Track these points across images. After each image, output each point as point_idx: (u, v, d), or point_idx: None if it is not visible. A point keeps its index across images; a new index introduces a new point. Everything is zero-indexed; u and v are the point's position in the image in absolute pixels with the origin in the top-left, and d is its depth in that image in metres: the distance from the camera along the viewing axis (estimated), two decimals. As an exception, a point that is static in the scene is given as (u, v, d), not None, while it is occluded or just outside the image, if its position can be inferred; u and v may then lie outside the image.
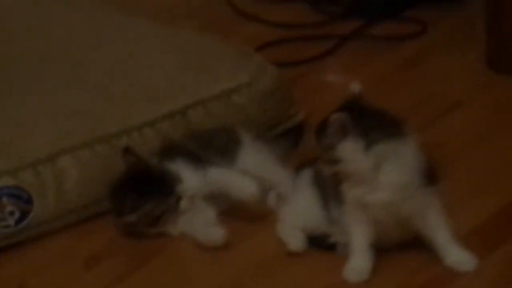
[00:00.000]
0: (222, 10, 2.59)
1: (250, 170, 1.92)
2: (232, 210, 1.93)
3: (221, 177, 1.91)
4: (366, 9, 2.49)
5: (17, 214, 1.86)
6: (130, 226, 1.88)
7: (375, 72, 2.29)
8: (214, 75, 2.10)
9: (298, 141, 2.08)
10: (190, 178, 1.92)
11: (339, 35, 2.43)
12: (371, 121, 1.68)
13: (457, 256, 1.70)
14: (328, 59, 2.36)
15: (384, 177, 1.66)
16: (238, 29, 2.51)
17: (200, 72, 2.11)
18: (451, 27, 2.41)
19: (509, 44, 2.19)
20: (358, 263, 1.73)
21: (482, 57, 2.22)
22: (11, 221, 1.85)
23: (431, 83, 2.24)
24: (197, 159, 1.91)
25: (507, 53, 2.20)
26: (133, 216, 1.84)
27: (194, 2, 2.59)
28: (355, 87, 1.74)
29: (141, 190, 1.87)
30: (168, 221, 1.89)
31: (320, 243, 1.85)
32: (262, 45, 2.35)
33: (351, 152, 1.64)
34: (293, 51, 2.38)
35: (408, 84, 2.25)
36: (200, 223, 1.90)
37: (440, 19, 2.45)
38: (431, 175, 1.70)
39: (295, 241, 1.84)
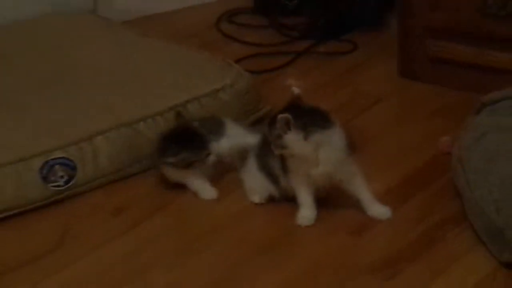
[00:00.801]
0: (213, 33, 2.66)
1: (233, 140, 1.97)
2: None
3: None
4: (314, 33, 2.54)
5: (65, 178, 1.91)
6: (169, 166, 1.92)
7: (319, 78, 2.37)
8: (206, 79, 2.16)
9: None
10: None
11: (295, 51, 2.50)
12: (308, 117, 1.74)
13: (377, 209, 1.78)
14: (287, 69, 2.42)
15: (322, 156, 1.72)
16: (223, 47, 2.56)
17: (196, 76, 2.17)
18: (375, 46, 2.48)
19: (413, 58, 2.27)
20: (306, 212, 1.79)
21: (396, 67, 2.28)
22: (61, 182, 1.90)
23: (359, 86, 2.30)
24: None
25: (412, 65, 2.27)
26: (173, 158, 1.89)
27: (194, 28, 2.65)
28: (295, 90, 1.81)
29: (183, 142, 1.91)
30: (195, 170, 1.93)
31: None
32: (240, 58, 2.41)
33: (294, 141, 1.71)
34: (262, 63, 2.44)
35: (342, 87, 2.31)
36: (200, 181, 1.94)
37: (368, 40, 2.52)
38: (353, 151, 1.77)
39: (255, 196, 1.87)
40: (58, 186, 1.90)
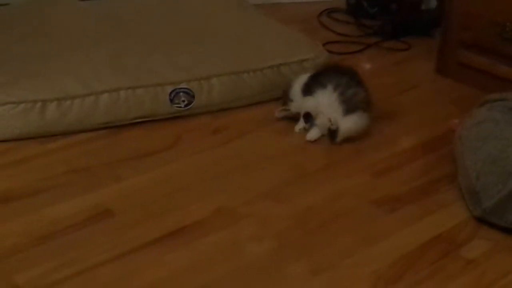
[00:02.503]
0: (314, 22, 2.55)
1: None
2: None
3: None
4: (383, 33, 2.42)
5: (186, 102, 1.84)
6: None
7: (380, 64, 2.25)
8: (298, 51, 2.04)
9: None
10: None
11: (367, 43, 2.38)
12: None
13: None
14: (358, 54, 2.30)
15: None
16: (319, 33, 2.44)
17: (291, 48, 2.05)
18: (423, 49, 2.33)
19: (446, 61, 2.15)
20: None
21: (434, 66, 2.15)
22: (182, 104, 1.84)
23: (405, 75, 2.17)
24: None
25: (445, 65, 2.15)
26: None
27: (301, 17, 2.54)
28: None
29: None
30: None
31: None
32: (328, 42, 2.30)
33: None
34: (342, 47, 2.33)
35: (394, 73, 2.18)
36: None
37: (419, 44, 2.38)
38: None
39: None
40: (180, 107, 1.83)
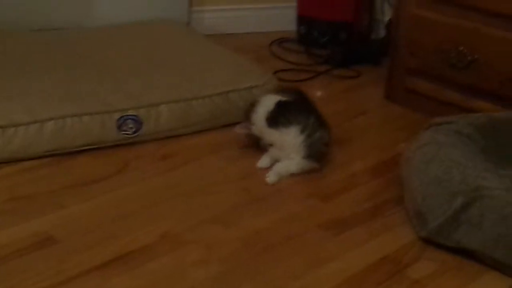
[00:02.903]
0: (265, 52, 2.59)
1: None
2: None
3: None
4: (333, 61, 2.46)
5: (134, 129, 1.83)
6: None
7: (329, 91, 2.30)
8: (247, 78, 2.05)
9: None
10: None
11: (317, 71, 2.41)
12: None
13: None
14: (308, 82, 2.32)
15: None
16: (270, 62, 2.47)
17: (240, 75, 2.06)
18: (372, 76, 2.38)
19: (394, 87, 2.19)
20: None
21: (382, 92, 2.20)
22: (130, 131, 1.83)
23: (354, 101, 2.22)
24: None
25: (393, 91, 2.20)
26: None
27: (253, 46, 2.58)
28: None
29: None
30: None
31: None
32: (279, 70, 2.33)
33: None
34: (293, 75, 2.36)
35: (343, 99, 2.23)
36: None
37: (368, 72, 2.43)
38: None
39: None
40: (128, 134, 1.83)
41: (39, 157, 1.72)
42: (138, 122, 1.83)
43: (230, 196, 1.62)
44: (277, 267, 1.38)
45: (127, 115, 1.82)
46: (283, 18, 2.73)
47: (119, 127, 1.81)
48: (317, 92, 2.24)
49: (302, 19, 2.63)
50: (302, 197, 1.65)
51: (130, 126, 1.82)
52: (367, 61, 2.49)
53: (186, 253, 1.40)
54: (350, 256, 1.43)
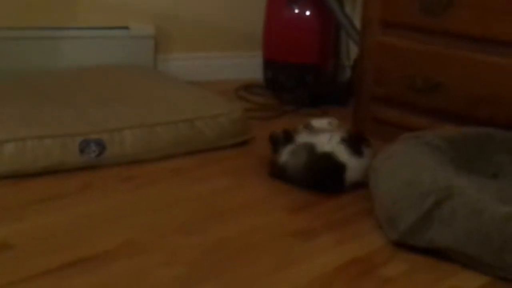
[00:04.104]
0: (232, 96, 2.58)
1: None
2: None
3: None
4: (298, 103, 2.47)
5: (96, 152, 1.81)
6: None
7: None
8: (212, 107, 2.07)
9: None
10: None
11: (284, 110, 2.41)
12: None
13: None
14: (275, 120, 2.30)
15: None
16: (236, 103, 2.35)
17: (206, 104, 2.09)
18: (339, 114, 2.32)
19: (361, 118, 2.21)
20: None
21: (350, 123, 2.20)
22: (93, 155, 1.81)
23: None
24: None
25: (360, 123, 2.21)
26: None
27: (219, 91, 2.42)
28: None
29: None
30: None
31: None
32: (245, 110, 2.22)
33: None
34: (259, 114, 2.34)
35: None
36: None
37: (335, 111, 2.43)
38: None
39: None
40: (90, 157, 1.80)
41: (-1, 178, 1.67)
42: (101, 145, 1.81)
43: (194, 210, 1.59)
44: (244, 268, 1.34)
45: (90, 138, 1.80)
46: (249, 66, 2.77)
47: (82, 150, 1.78)
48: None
49: (268, 64, 2.66)
50: (268, 211, 1.62)
51: (93, 149, 1.80)
52: (333, 102, 2.51)
53: (149, 257, 1.36)
54: (319, 259, 1.40)
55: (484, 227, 1.35)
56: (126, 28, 2.59)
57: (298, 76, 2.60)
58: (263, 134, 2.04)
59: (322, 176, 1.71)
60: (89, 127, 1.83)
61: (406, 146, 1.67)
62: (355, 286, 1.31)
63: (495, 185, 1.58)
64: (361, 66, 2.18)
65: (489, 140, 1.73)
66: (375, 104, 2.14)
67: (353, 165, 1.71)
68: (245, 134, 2.08)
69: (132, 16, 2.61)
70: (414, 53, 2.01)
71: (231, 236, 1.48)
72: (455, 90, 1.93)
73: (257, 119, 2.29)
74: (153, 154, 1.89)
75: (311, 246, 1.46)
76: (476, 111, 1.90)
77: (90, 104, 1.99)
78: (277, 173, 1.76)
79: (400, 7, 2.02)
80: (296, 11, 2.59)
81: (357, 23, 2.28)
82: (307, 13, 2.58)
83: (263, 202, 1.67)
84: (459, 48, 1.92)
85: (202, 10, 2.77)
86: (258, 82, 2.74)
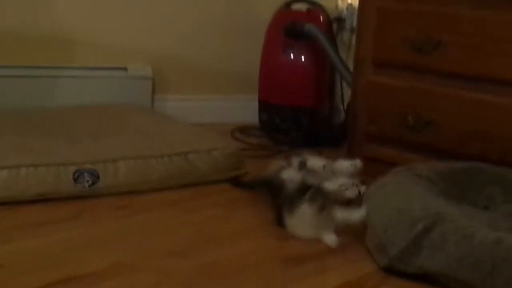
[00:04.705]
0: (226, 136, 2.55)
1: None
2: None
3: None
4: (293, 144, 2.49)
5: (90, 182, 1.81)
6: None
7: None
8: (206, 141, 2.08)
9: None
10: None
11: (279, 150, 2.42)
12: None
13: None
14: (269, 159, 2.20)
15: None
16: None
17: (200, 139, 2.11)
18: (333, 155, 2.25)
19: (355, 156, 2.08)
20: None
21: None
22: (86, 184, 1.81)
23: None
24: None
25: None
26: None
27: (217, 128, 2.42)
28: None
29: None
30: None
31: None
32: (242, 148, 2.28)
33: None
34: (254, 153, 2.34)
35: None
36: None
37: (330, 151, 2.39)
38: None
39: None
40: (84, 186, 1.80)
41: (-9, 204, 1.67)
42: (94, 175, 1.81)
43: (185, 236, 1.58)
44: (233, 288, 1.32)
45: (84, 168, 1.80)
46: (245, 109, 2.78)
47: (76, 180, 1.78)
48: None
49: (263, 106, 2.66)
50: (259, 237, 1.61)
51: (87, 179, 1.80)
52: (327, 144, 2.51)
53: (138, 278, 1.35)
54: (309, 283, 1.39)
55: (475, 251, 1.34)
56: (124, 68, 2.60)
57: (293, 118, 2.60)
58: (256, 171, 2.05)
59: None
60: (83, 158, 1.83)
61: (398, 177, 1.66)
62: (345, 309, 1.28)
63: (486, 216, 1.57)
64: (354, 105, 2.19)
65: (480, 173, 1.73)
66: (368, 142, 2.14)
67: None
68: (239, 169, 2.07)
69: (130, 57, 2.64)
70: (406, 91, 2.02)
71: (221, 260, 1.47)
72: (446, 127, 1.94)
73: (251, 158, 2.27)
74: (146, 186, 1.89)
75: (301, 270, 1.45)
76: (467, 147, 1.90)
77: (86, 137, 2.01)
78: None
79: (391, 46, 2.04)
80: (292, 55, 2.60)
81: (351, 64, 2.29)
82: (303, 57, 2.59)
83: (254, 230, 1.66)
84: (449, 86, 1.93)
85: (199, 53, 2.80)
86: (253, 124, 2.74)
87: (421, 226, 1.41)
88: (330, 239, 1.57)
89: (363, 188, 1.70)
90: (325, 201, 1.59)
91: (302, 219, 1.59)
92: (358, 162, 1.81)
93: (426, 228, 1.40)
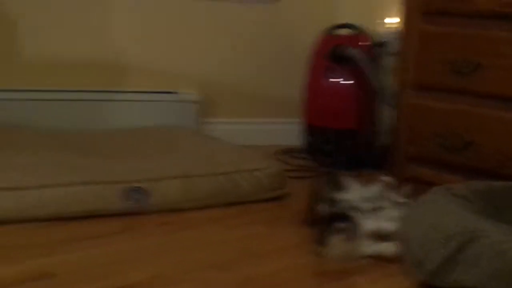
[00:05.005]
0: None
1: None
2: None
3: None
4: (335, 166, 2.48)
5: (138, 200, 1.89)
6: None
7: None
8: (250, 162, 2.13)
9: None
10: None
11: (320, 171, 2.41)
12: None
13: None
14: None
15: None
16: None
17: (244, 160, 2.16)
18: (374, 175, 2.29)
19: (397, 176, 2.13)
20: None
21: None
22: (134, 202, 1.88)
23: None
24: None
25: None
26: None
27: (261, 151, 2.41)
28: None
29: None
30: None
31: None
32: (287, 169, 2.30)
33: None
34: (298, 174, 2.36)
35: None
36: None
37: (371, 174, 2.37)
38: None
39: None
40: (132, 203, 1.87)
41: (43, 220, 1.76)
42: (141, 194, 1.87)
43: (227, 251, 1.64)
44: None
45: (132, 186, 1.87)
46: (290, 133, 2.83)
47: (125, 197, 1.85)
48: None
49: (307, 129, 2.71)
50: (299, 254, 1.65)
51: (135, 196, 1.86)
52: (370, 167, 2.53)
53: (179, 288, 1.39)
54: (348, 296, 1.41)
55: (508, 266, 1.35)
56: (174, 92, 2.69)
57: (336, 141, 2.64)
58: (299, 191, 2.09)
59: None
60: (132, 176, 1.91)
61: (435, 195, 1.69)
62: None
63: (522, 234, 1.57)
64: (396, 127, 2.22)
65: (518, 192, 1.73)
66: (408, 162, 2.17)
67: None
68: (281, 189, 2.12)
69: (180, 81, 2.74)
70: (446, 113, 2.05)
71: (262, 274, 1.51)
72: (486, 147, 1.96)
73: (294, 178, 2.31)
74: (191, 204, 1.95)
75: (339, 285, 1.49)
76: (507, 168, 1.91)
77: (135, 157, 2.10)
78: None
79: (432, 69, 2.08)
80: (335, 79, 2.65)
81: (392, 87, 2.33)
82: (346, 81, 2.63)
83: (295, 247, 1.70)
84: (489, 107, 1.95)
85: (245, 78, 2.87)
86: (295, 146, 2.78)
87: (456, 242, 1.43)
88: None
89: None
90: (353, 234, 1.62)
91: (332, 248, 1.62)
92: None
93: (461, 244, 1.42)
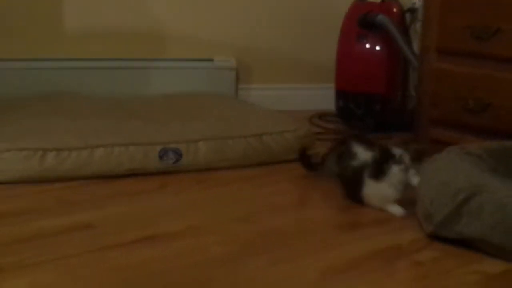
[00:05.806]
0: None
1: None
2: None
3: None
4: (365, 129, 2.64)
5: (174, 159, 2.02)
6: None
7: None
8: (280, 124, 2.26)
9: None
10: None
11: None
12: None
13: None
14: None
15: None
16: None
17: (274, 122, 2.29)
18: (400, 136, 2.50)
19: (421, 138, 2.32)
20: None
21: None
22: (170, 161, 2.02)
23: None
24: None
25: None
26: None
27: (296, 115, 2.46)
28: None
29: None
30: None
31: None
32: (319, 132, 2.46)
33: None
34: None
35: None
36: None
37: (399, 135, 2.57)
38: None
39: None
40: (168, 163, 2.01)
41: (88, 178, 1.92)
42: (178, 153, 2.02)
43: (253, 205, 1.78)
44: (289, 248, 1.51)
45: (169, 147, 2.01)
46: (323, 98, 2.95)
47: (161, 157, 2.00)
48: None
49: (339, 94, 2.82)
50: (320, 207, 1.79)
51: (171, 156, 2.01)
52: (398, 130, 2.64)
53: (207, 238, 1.54)
54: (360, 244, 1.54)
55: (508, 218, 1.47)
56: (210, 60, 2.83)
57: (367, 105, 2.74)
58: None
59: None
60: (169, 138, 2.05)
61: (449, 154, 1.79)
62: (390, 266, 1.45)
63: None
64: (419, 91, 2.32)
65: (530, 151, 1.83)
66: (432, 125, 2.26)
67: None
68: (310, 150, 2.22)
69: (216, 49, 2.87)
70: (466, 77, 2.14)
71: (284, 224, 1.65)
72: (504, 109, 2.04)
73: (325, 141, 2.42)
74: (224, 164, 2.09)
75: (355, 234, 1.62)
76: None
77: (172, 121, 2.22)
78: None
79: (453, 35, 2.17)
80: (366, 45, 2.75)
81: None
82: (376, 47, 2.73)
83: (316, 201, 1.84)
84: (507, 70, 2.03)
85: (279, 45, 2.99)
86: (331, 111, 2.89)
87: (462, 196, 1.54)
88: (397, 209, 1.73)
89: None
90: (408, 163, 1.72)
91: (391, 182, 1.72)
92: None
93: (466, 198, 1.53)
